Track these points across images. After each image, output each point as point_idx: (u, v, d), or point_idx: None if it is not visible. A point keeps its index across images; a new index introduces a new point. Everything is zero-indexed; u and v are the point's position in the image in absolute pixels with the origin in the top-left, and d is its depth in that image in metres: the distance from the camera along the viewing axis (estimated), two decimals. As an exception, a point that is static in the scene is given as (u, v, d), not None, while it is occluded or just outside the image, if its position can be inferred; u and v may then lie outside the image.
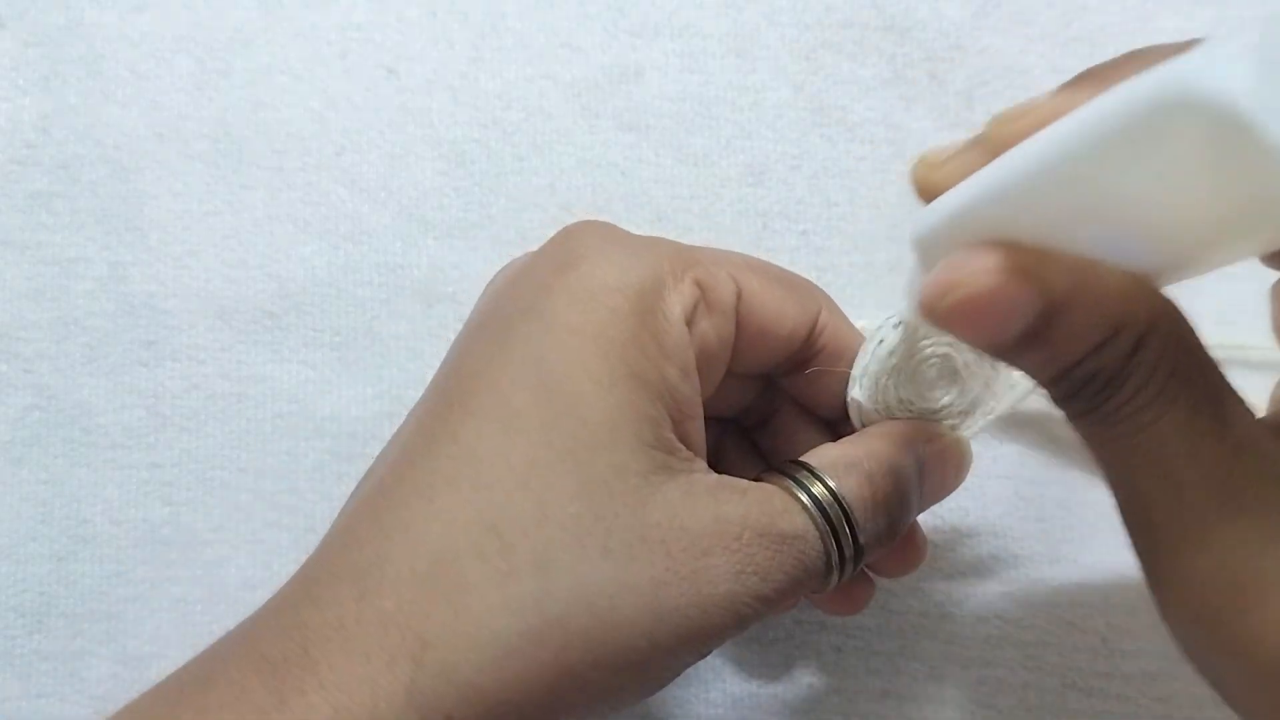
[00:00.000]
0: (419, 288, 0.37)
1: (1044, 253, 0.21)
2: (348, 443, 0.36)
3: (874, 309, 0.33)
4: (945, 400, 0.30)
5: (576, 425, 0.25)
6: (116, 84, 0.38)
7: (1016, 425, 0.36)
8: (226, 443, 0.36)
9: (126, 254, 0.37)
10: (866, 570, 0.31)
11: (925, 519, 0.35)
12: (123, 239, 0.37)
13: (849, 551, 0.27)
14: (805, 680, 0.35)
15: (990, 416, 0.31)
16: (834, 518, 0.27)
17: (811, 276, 0.31)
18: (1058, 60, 0.39)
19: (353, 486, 0.35)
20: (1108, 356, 0.21)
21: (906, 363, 0.29)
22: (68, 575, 0.35)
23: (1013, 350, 0.22)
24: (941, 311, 0.21)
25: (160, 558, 0.35)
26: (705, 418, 0.30)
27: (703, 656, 0.27)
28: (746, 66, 0.38)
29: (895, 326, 0.28)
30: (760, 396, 0.33)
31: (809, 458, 0.28)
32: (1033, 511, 0.36)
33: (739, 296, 0.28)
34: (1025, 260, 0.21)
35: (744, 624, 0.26)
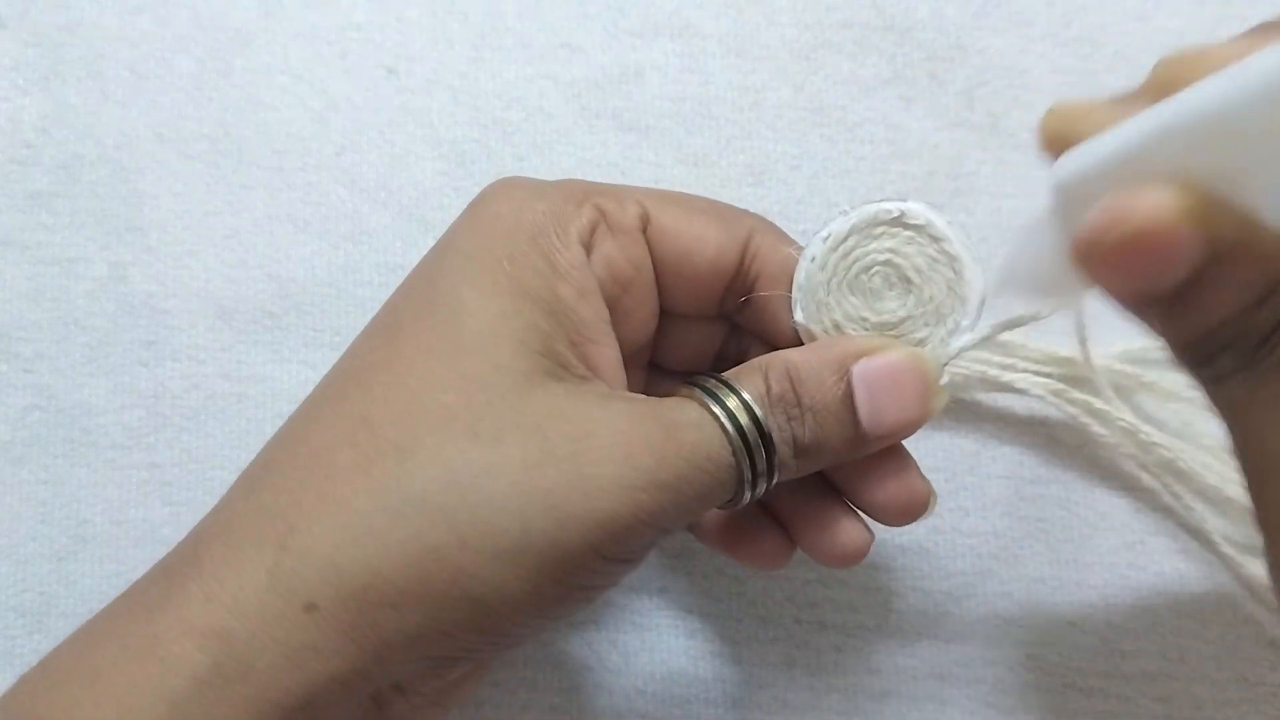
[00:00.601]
0: (419, 288, 0.37)
1: (1214, 199, 0.20)
2: (348, 443, 0.36)
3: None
4: (901, 311, 0.28)
5: (455, 330, 0.26)
6: (116, 84, 0.38)
7: (1016, 425, 0.36)
8: (226, 443, 0.36)
9: (126, 254, 0.37)
10: (858, 516, 0.30)
11: (926, 520, 0.35)
12: (123, 239, 0.37)
13: (756, 448, 0.26)
14: (805, 680, 0.35)
15: (964, 326, 0.28)
16: (733, 411, 0.26)
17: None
18: (1058, 60, 0.39)
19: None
20: (1266, 314, 0.21)
21: (844, 274, 0.28)
22: (68, 575, 0.35)
23: (1165, 302, 0.21)
24: (1103, 249, 0.20)
25: (160, 557, 0.35)
26: (677, 370, 0.30)
27: (618, 561, 0.26)
28: (746, 66, 0.38)
29: (824, 239, 0.28)
30: (728, 341, 0.32)
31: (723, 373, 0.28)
32: (1033, 511, 0.36)
33: (647, 220, 0.29)
34: (1198, 203, 0.20)
35: (650, 517, 0.25)
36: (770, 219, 0.38)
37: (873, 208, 0.28)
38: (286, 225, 0.37)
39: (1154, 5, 0.39)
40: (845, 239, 0.28)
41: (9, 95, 0.38)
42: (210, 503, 0.36)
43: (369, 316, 0.37)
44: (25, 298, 0.37)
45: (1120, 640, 0.35)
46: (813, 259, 0.28)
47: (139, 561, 0.35)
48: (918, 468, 0.29)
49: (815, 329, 0.28)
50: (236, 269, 0.37)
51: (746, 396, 0.26)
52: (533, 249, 0.27)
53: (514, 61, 0.39)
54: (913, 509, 0.29)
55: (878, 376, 0.27)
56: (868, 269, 0.28)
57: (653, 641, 0.35)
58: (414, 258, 0.37)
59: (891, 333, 0.28)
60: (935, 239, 0.28)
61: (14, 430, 0.36)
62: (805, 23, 0.39)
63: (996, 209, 0.38)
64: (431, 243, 0.37)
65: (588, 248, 0.27)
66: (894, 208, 0.28)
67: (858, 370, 0.27)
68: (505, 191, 0.28)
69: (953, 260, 0.28)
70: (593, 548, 0.25)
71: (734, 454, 0.26)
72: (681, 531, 0.35)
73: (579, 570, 0.25)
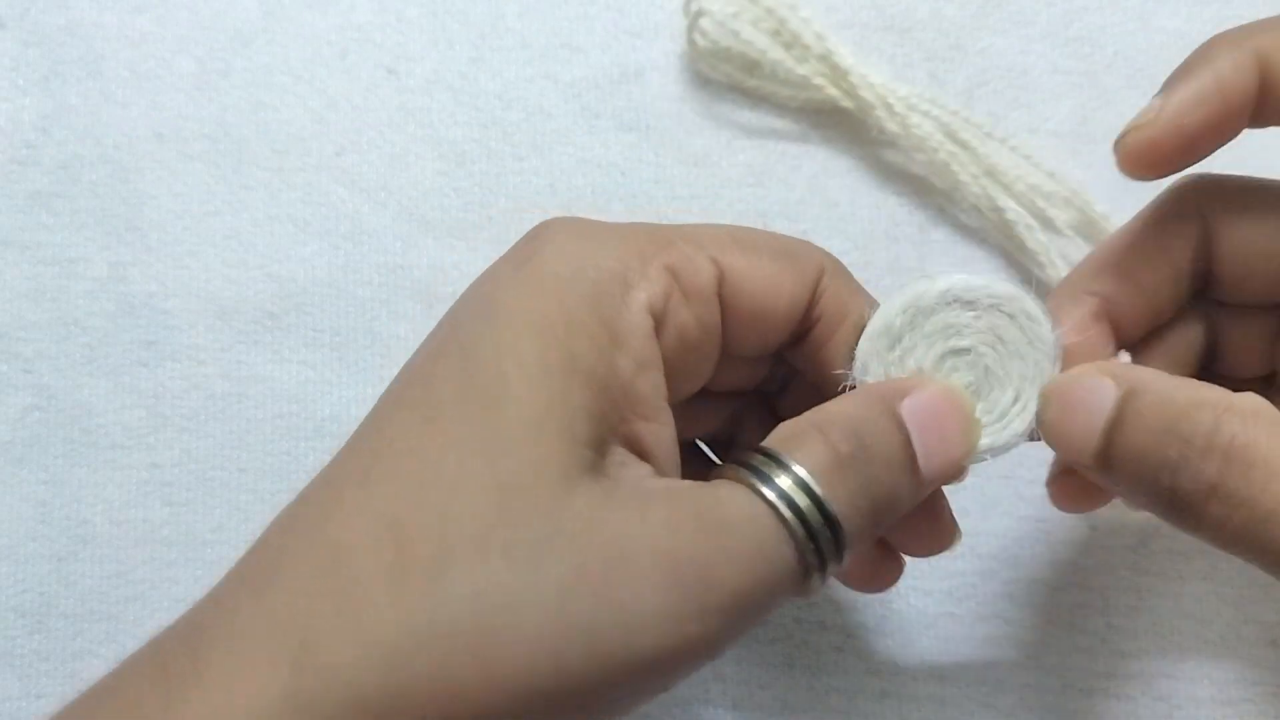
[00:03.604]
0: (419, 288, 0.37)
1: None
2: (348, 443, 0.36)
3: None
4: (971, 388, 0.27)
5: (497, 417, 0.23)
6: (116, 84, 0.38)
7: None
8: (226, 443, 0.36)
9: (126, 254, 0.37)
10: (892, 547, 0.29)
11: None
12: (123, 239, 0.37)
13: (820, 531, 0.23)
14: (805, 680, 0.35)
15: (1027, 410, 0.26)
16: (788, 492, 0.23)
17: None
18: (1058, 60, 0.39)
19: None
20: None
21: (916, 348, 0.26)
22: (68, 575, 0.35)
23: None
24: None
25: (160, 558, 0.35)
26: (720, 393, 0.28)
27: (668, 683, 0.23)
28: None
29: (901, 310, 0.26)
30: (777, 364, 0.30)
31: (769, 439, 0.25)
32: (1033, 512, 0.36)
33: (721, 279, 0.26)
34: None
35: (703, 647, 0.22)
36: (770, 219, 0.38)
37: (959, 281, 0.26)
38: (286, 225, 0.37)
39: (1154, 5, 0.39)
40: (923, 313, 0.26)
41: (9, 95, 0.38)
42: (210, 502, 0.36)
43: (369, 316, 0.37)
44: (25, 298, 0.37)
45: (1120, 640, 0.35)
46: (885, 327, 0.26)
47: (139, 561, 0.35)
48: (948, 504, 0.28)
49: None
50: (236, 269, 0.37)
51: (803, 473, 0.23)
52: (592, 316, 0.24)
53: (514, 61, 0.39)
54: (941, 543, 0.28)
55: (923, 415, 0.25)
56: (943, 355, 0.27)
57: (653, 641, 0.35)
58: (414, 258, 0.38)
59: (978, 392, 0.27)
60: (1025, 326, 0.26)
61: (14, 430, 0.36)
62: (805, 23, 0.39)
63: (996, 209, 0.38)
64: (432, 243, 0.37)
65: (658, 316, 0.25)
66: (983, 288, 0.26)
67: (906, 411, 0.25)
68: (561, 241, 0.25)
69: (1034, 348, 0.26)
70: (636, 685, 0.22)
71: (798, 551, 0.23)
72: None
73: (623, 704, 0.23)
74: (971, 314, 0.26)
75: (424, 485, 0.23)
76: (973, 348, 0.26)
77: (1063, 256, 0.36)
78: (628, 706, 0.23)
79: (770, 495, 0.23)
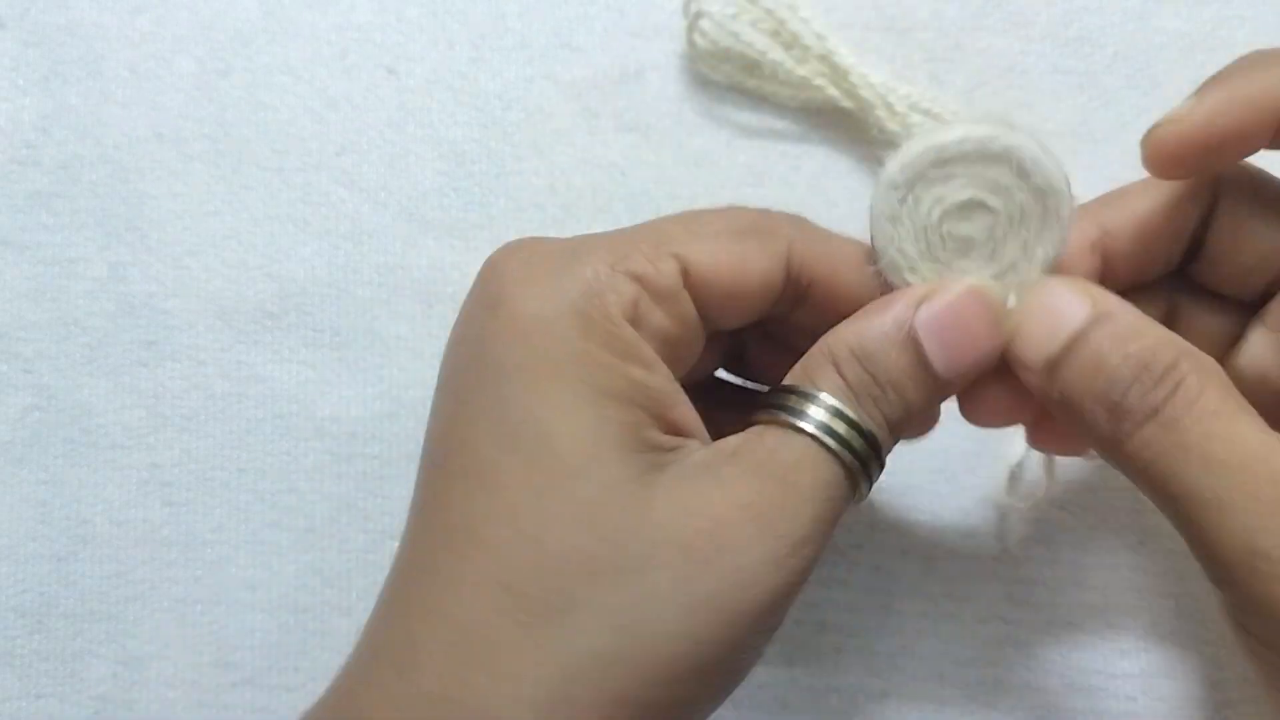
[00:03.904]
0: (419, 288, 0.37)
1: None
2: (348, 443, 0.36)
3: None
4: (985, 237, 0.27)
5: (554, 459, 0.24)
6: (116, 84, 0.38)
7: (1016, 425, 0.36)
8: (226, 443, 0.36)
9: (126, 254, 0.37)
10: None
11: (927, 518, 0.35)
12: (123, 239, 0.37)
13: (861, 450, 0.25)
14: (805, 680, 0.35)
15: (1056, 241, 0.27)
16: (827, 422, 0.25)
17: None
18: (1058, 60, 0.39)
19: (353, 486, 0.35)
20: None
21: (925, 214, 0.27)
22: (68, 575, 0.35)
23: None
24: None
25: (160, 558, 0.35)
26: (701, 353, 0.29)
27: (779, 618, 0.26)
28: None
29: (899, 170, 0.27)
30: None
31: (792, 375, 0.27)
32: (1033, 511, 0.36)
33: (685, 274, 0.27)
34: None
35: (802, 575, 0.25)
36: (770, 219, 0.38)
37: (931, 143, 0.26)
38: (286, 225, 0.37)
39: (1154, 5, 0.39)
40: (912, 186, 0.27)
41: (9, 95, 0.38)
42: (210, 502, 0.36)
43: (369, 316, 0.37)
44: (25, 298, 0.37)
45: (1120, 640, 0.35)
46: (887, 215, 0.27)
47: (139, 561, 0.35)
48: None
49: (896, 276, 0.27)
50: (236, 269, 0.37)
51: (833, 401, 0.25)
52: (590, 344, 0.25)
53: (514, 61, 0.39)
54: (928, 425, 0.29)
55: (941, 323, 0.26)
56: (947, 211, 0.27)
57: (653, 641, 0.35)
58: (414, 258, 0.38)
59: (984, 258, 0.27)
60: (1005, 159, 0.26)
61: (14, 430, 0.36)
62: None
63: (996, 209, 0.38)
64: (432, 243, 0.37)
65: (633, 322, 0.26)
66: (951, 139, 0.26)
67: (921, 323, 0.26)
68: (519, 279, 0.26)
69: (1030, 175, 0.26)
70: (759, 629, 0.25)
71: (847, 471, 0.25)
72: None
73: (752, 651, 0.25)
74: (962, 166, 0.26)
75: (514, 543, 0.24)
76: (978, 199, 0.27)
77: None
78: (760, 649, 0.26)
79: (810, 429, 0.25)
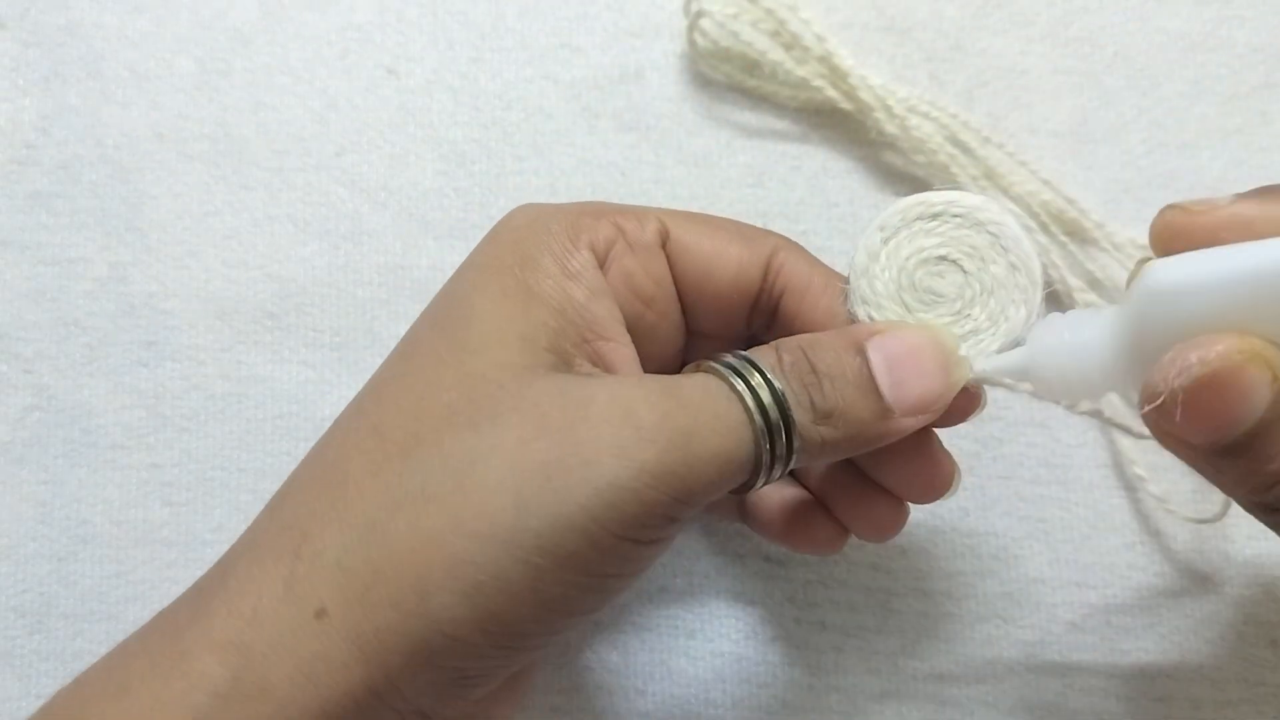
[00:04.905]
0: (419, 288, 0.37)
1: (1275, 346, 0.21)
2: (348, 443, 0.36)
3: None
4: (956, 294, 0.28)
5: (463, 334, 0.26)
6: (116, 84, 0.38)
7: (1016, 425, 0.36)
8: (226, 443, 0.36)
9: (126, 254, 0.37)
10: (893, 494, 0.29)
11: (926, 518, 0.35)
12: (123, 239, 0.37)
13: (776, 424, 0.25)
14: (805, 680, 0.35)
15: (1026, 304, 0.27)
16: (741, 370, 0.25)
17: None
18: (1058, 60, 0.39)
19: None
20: None
21: (900, 266, 0.28)
22: (68, 575, 0.35)
23: (1234, 453, 0.22)
24: (1176, 397, 0.21)
25: (160, 558, 0.35)
26: None
27: (627, 541, 0.24)
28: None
29: (879, 230, 0.28)
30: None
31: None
32: (1033, 511, 0.36)
33: (666, 235, 0.29)
34: (1264, 349, 0.21)
35: (656, 481, 0.23)
36: (770, 219, 0.38)
37: (924, 198, 0.28)
38: (286, 225, 0.37)
39: (1154, 5, 0.39)
40: (897, 231, 0.28)
41: (9, 95, 0.38)
42: (210, 502, 0.36)
43: (369, 316, 0.37)
44: (25, 298, 0.37)
45: (1120, 640, 0.35)
46: (867, 251, 0.28)
47: (139, 561, 0.35)
48: (941, 445, 0.29)
49: (861, 309, 0.28)
50: (236, 269, 0.37)
51: (758, 361, 0.26)
52: (544, 254, 0.27)
53: (514, 61, 0.39)
54: (937, 485, 0.29)
55: (894, 350, 0.26)
56: (924, 261, 0.28)
57: (653, 642, 0.35)
58: (414, 258, 0.38)
59: (950, 315, 0.28)
60: (988, 229, 0.28)
61: (14, 430, 0.36)
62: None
63: (996, 209, 0.38)
64: (432, 243, 0.38)
65: (602, 259, 0.28)
66: (940, 199, 0.28)
67: (873, 345, 0.26)
68: (524, 210, 0.29)
69: (1007, 251, 0.27)
70: (595, 521, 0.23)
71: (745, 411, 0.25)
72: (710, 524, 0.35)
73: (583, 552, 0.23)
74: (948, 226, 0.28)
75: (400, 395, 0.26)
76: (955, 259, 0.28)
77: (1058, 261, 0.36)
78: (596, 567, 0.24)
79: (723, 370, 0.25)
